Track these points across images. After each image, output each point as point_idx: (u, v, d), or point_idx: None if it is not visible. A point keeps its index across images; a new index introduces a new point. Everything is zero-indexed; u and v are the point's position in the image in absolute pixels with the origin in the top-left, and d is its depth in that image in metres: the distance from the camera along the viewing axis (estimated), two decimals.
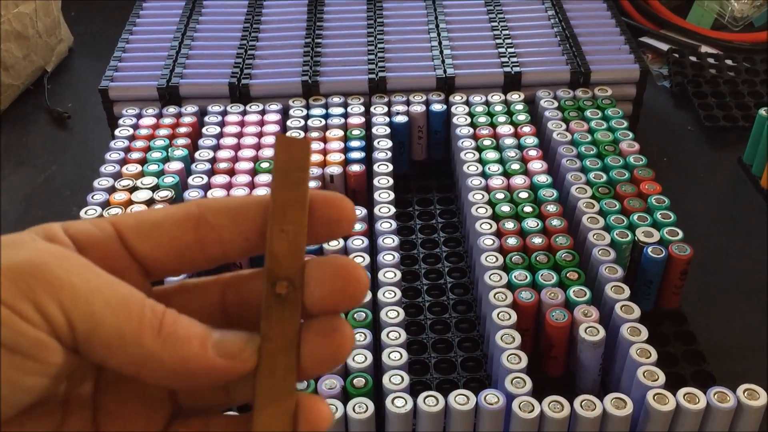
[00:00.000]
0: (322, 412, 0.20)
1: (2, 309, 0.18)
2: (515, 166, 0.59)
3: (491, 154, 0.61)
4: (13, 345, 0.18)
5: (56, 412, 0.20)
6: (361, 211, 0.56)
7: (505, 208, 0.55)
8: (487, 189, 0.57)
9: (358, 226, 0.55)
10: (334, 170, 0.60)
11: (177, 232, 0.20)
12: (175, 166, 0.60)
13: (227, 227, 0.21)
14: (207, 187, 0.59)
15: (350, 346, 0.20)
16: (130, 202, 0.56)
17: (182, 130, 0.65)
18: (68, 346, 0.19)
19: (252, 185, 0.59)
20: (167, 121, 0.66)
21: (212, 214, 0.21)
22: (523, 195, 0.56)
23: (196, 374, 0.19)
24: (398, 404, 0.42)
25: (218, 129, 0.65)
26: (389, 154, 0.62)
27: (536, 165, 0.59)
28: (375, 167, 0.60)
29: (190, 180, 0.59)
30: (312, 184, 0.56)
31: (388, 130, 0.64)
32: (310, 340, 0.20)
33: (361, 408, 0.42)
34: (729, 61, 0.84)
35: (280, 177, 0.20)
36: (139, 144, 0.63)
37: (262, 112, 0.67)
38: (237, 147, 0.63)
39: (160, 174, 0.59)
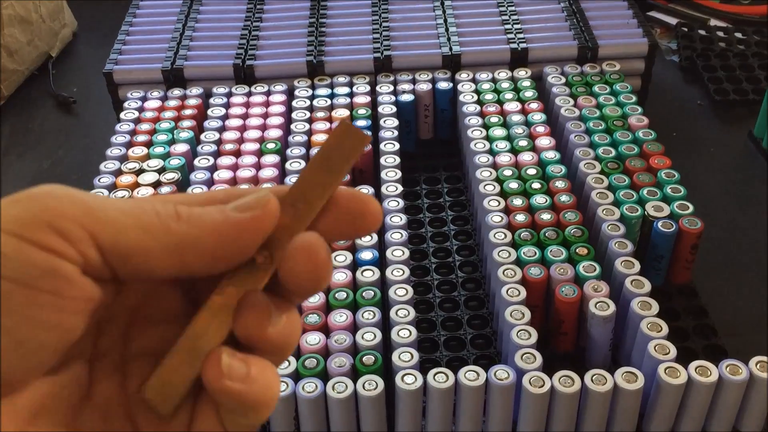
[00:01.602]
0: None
1: (33, 250, 0.17)
2: (523, 143, 0.59)
3: (499, 131, 0.60)
4: (47, 287, 0.17)
5: (83, 376, 0.20)
6: (368, 190, 0.56)
7: (513, 185, 0.55)
8: (494, 166, 0.57)
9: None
10: None
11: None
12: (181, 148, 0.60)
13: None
14: (213, 168, 0.58)
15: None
16: (136, 185, 0.56)
17: (187, 112, 0.65)
18: (96, 264, 0.18)
19: (258, 166, 0.58)
20: (172, 103, 0.66)
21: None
22: (531, 171, 0.56)
23: (231, 238, 0.19)
24: (408, 381, 0.42)
25: (223, 110, 0.65)
26: (396, 132, 0.61)
27: (544, 141, 0.59)
28: (381, 146, 0.60)
29: (196, 162, 0.59)
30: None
31: (394, 109, 0.64)
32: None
33: (371, 385, 0.42)
34: (739, 35, 0.83)
35: (319, 158, 0.20)
36: (145, 127, 0.63)
37: (267, 93, 0.66)
38: (242, 128, 0.62)
39: (166, 156, 0.59)
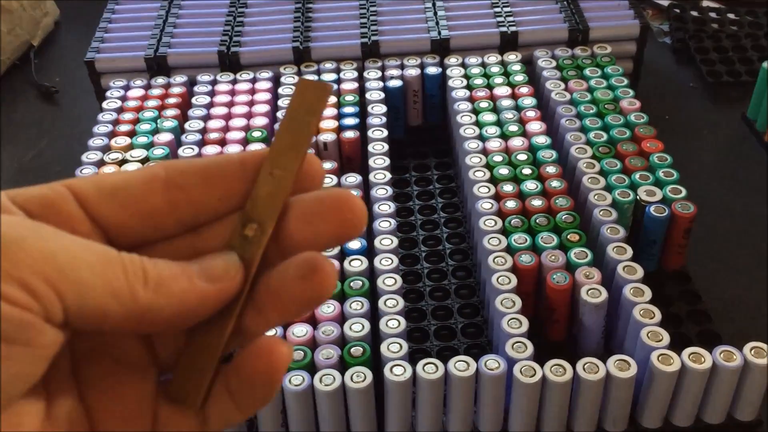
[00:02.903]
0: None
1: (6, 307, 0.16)
2: (513, 128, 0.58)
3: (488, 117, 0.59)
4: (11, 337, 0.16)
5: (41, 398, 0.18)
6: (356, 178, 0.55)
7: (504, 171, 0.54)
8: (484, 152, 0.56)
9: (354, 193, 0.53)
10: (328, 137, 0.58)
11: (143, 193, 0.19)
12: (165, 137, 0.59)
13: (197, 187, 0.19)
14: (198, 157, 0.57)
15: (333, 284, 0.19)
16: None
17: (171, 100, 0.63)
18: (58, 321, 0.17)
19: None
20: (156, 92, 0.64)
21: (180, 175, 0.19)
22: (522, 157, 0.55)
23: (193, 308, 0.19)
24: (397, 372, 0.41)
25: (208, 99, 0.63)
26: (384, 119, 0.60)
27: (535, 126, 0.58)
28: (369, 133, 0.59)
29: (180, 151, 0.58)
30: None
31: (383, 95, 0.63)
32: (290, 284, 0.19)
33: (359, 377, 0.41)
34: (731, 15, 0.82)
35: (288, 120, 0.20)
36: (128, 116, 0.61)
37: (253, 81, 0.65)
38: (228, 116, 0.61)
39: (149, 146, 0.58)
